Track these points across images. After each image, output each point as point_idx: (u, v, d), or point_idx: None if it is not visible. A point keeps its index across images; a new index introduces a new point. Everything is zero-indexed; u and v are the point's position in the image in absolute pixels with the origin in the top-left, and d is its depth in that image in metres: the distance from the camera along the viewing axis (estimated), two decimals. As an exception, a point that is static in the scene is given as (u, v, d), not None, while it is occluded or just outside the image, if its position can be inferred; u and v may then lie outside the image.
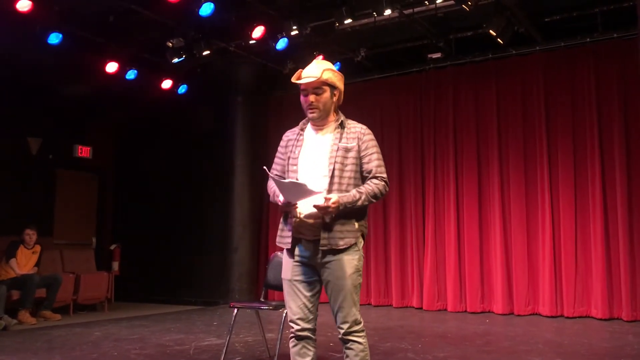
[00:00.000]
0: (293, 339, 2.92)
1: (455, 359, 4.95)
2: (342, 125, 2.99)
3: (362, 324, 2.88)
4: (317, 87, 2.92)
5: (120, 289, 9.23)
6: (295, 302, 2.91)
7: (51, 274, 7.92)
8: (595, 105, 7.58)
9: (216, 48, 8.07)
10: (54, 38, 7.11)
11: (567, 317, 7.40)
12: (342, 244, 2.83)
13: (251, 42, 7.82)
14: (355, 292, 2.87)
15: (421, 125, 8.83)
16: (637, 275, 7.12)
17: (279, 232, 3.01)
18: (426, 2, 6.97)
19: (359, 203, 2.83)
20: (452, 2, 6.70)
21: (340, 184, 2.87)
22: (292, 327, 2.92)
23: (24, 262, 7.67)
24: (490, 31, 7.17)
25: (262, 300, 5.03)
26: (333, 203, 2.74)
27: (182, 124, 9.81)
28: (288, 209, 2.88)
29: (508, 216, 8.04)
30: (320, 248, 2.82)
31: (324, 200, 2.74)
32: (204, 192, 9.69)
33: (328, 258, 2.84)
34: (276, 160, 3.13)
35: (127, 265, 9.82)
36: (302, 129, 3.07)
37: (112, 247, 10.03)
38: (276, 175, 3.03)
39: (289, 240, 2.91)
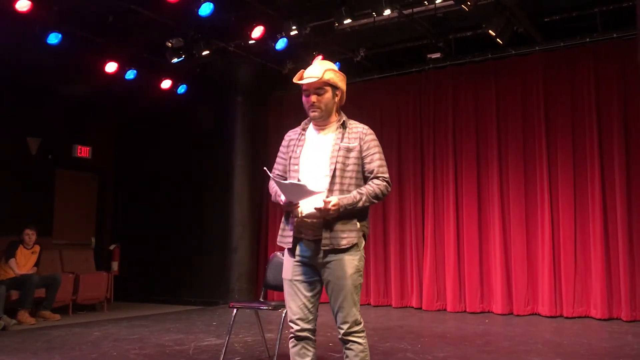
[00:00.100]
0: (293, 339, 2.92)
1: (454, 359, 4.95)
2: (344, 125, 2.98)
3: (362, 325, 2.88)
4: (319, 87, 2.92)
5: (119, 289, 9.22)
6: (295, 302, 2.91)
7: (50, 274, 7.91)
8: (595, 105, 7.58)
9: (216, 48, 8.06)
10: (54, 38, 7.11)
11: (567, 317, 7.41)
12: (344, 243, 2.83)
13: (251, 42, 7.81)
14: (356, 293, 2.87)
15: (421, 125, 8.83)
16: (637, 275, 7.13)
17: (280, 232, 3.00)
18: (425, 2, 6.96)
19: (360, 204, 2.83)
20: (452, 2, 6.70)
21: (341, 184, 2.86)
22: (292, 327, 2.91)
23: (24, 262, 7.66)
24: (490, 31, 7.18)
25: (262, 300, 5.02)
26: (333, 205, 2.74)
27: (181, 124, 9.80)
28: (290, 209, 2.87)
29: (507, 216, 8.04)
30: (322, 248, 2.82)
31: (323, 203, 2.74)
32: (203, 192, 9.68)
33: (329, 258, 2.84)
34: (278, 159, 3.13)
35: (126, 265, 9.82)
36: (304, 129, 3.06)
37: (112, 247, 10.03)
38: (278, 175, 3.03)
39: (290, 239, 2.91)
